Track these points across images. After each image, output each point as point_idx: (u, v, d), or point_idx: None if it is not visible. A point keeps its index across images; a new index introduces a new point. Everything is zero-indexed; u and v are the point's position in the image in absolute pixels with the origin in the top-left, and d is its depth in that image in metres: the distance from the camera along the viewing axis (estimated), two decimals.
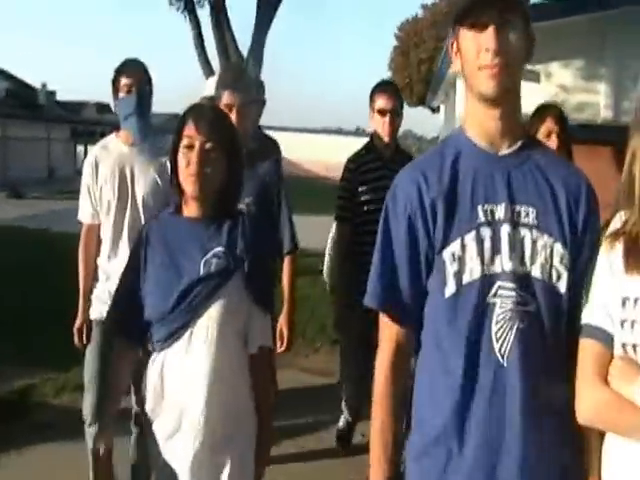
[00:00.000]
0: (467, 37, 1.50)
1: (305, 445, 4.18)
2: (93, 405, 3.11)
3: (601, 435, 1.46)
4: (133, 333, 2.11)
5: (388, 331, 1.62)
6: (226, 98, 2.95)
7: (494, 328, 1.46)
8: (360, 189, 3.48)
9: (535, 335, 1.47)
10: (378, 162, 3.50)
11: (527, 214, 1.49)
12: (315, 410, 4.50)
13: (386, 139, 3.52)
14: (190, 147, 2.02)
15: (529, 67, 7.83)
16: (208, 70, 10.56)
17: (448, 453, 1.53)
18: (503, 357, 1.46)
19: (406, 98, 34.62)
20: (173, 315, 2.00)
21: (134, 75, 3.23)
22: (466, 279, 1.48)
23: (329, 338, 5.94)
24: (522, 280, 1.47)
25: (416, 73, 32.17)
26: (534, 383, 1.46)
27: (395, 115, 3.51)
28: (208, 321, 2.00)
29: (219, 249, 2.03)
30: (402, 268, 1.56)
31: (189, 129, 2.03)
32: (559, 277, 1.48)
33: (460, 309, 1.49)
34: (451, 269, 1.50)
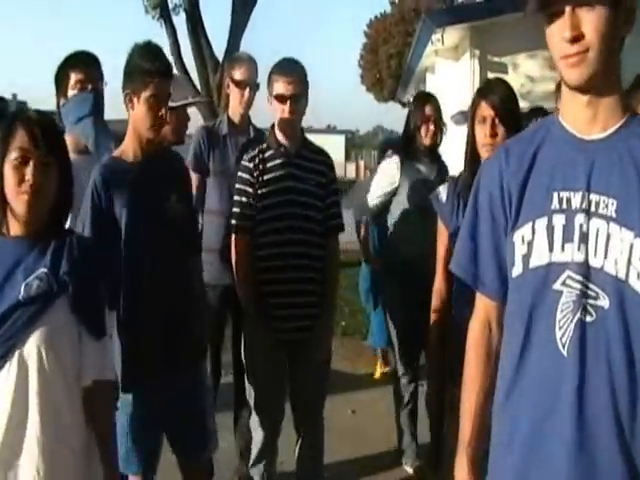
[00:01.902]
0: (547, 25, 1.44)
1: None
2: None
3: None
4: None
5: (479, 301, 1.67)
6: (154, 88, 2.43)
7: (558, 316, 1.43)
8: (261, 192, 2.94)
9: (605, 333, 1.39)
10: (283, 158, 2.97)
11: (606, 205, 1.40)
12: None
13: (283, 130, 2.98)
14: (25, 161, 1.81)
15: (496, 59, 7.98)
16: (185, 76, 10.71)
17: (502, 440, 1.55)
18: (564, 347, 1.42)
19: (377, 94, 34.99)
20: None
21: (89, 70, 2.82)
22: (533, 263, 1.47)
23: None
24: (592, 273, 1.41)
25: (386, 69, 32.38)
26: (594, 382, 1.39)
27: (296, 102, 2.92)
28: (29, 352, 1.81)
29: (42, 270, 1.85)
30: (485, 243, 1.59)
31: (22, 141, 1.81)
32: (639, 277, 1.36)
33: (524, 291, 1.49)
34: (519, 251, 1.49)
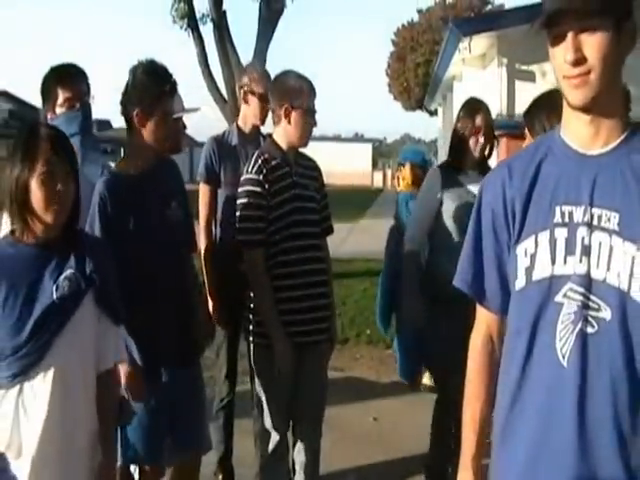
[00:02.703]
0: (551, 44, 1.46)
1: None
2: None
3: None
4: None
5: (480, 314, 1.70)
6: (165, 106, 2.62)
7: (559, 327, 1.45)
8: (272, 203, 2.92)
9: (607, 344, 1.41)
10: (287, 167, 2.99)
11: (609, 219, 1.43)
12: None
13: (302, 142, 3.05)
14: (51, 174, 1.92)
15: (524, 67, 7.93)
16: (212, 84, 10.83)
17: (505, 451, 1.56)
18: (564, 358, 1.44)
19: (404, 102, 34.99)
20: (28, 347, 1.92)
21: (76, 88, 2.85)
22: (536, 276, 1.49)
23: (337, 338, 6.24)
24: (594, 285, 1.43)
25: (413, 77, 32.40)
26: (596, 394, 1.42)
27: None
28: (64, 348, 1.96)
29: (69, 272, 1.98)
30: (488, 258, 1.62)
31: (48, 154, 1.93)
32: None
33: (527, 303, 1.51)
34: (522, 264, 1.52)
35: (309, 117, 2.99)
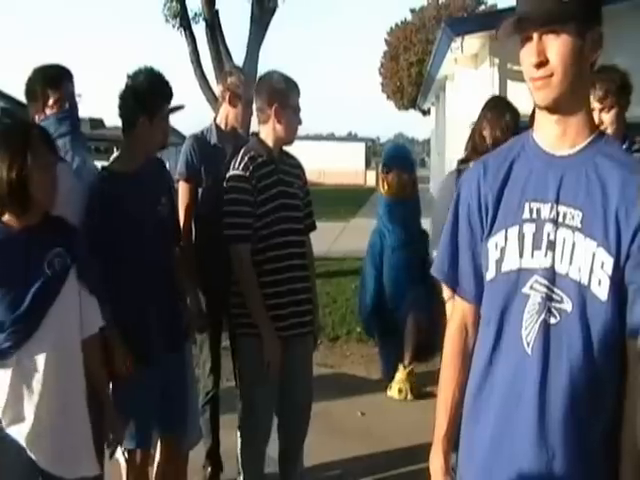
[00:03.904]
0: (521, 47, 1.53)
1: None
2: None
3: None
4: None
5: (456, 304, 1.78)
6: (166, 111, 2.85)
7: (525, 317, 1.53)
8: (259, 199, 2.98)
9: (567, 334, 1.49)
10: (272, 165, 3.04)
11: (572, 217, 1.50)
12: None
13: (291, 139, 3.14)
14: (47, 165, 2.16)
15: (515, 67, 7.93)
16: (204, 83, 10.83)
17: (468, 432, 1.66)
18: (529, 345, 1.52)
19: (397, 101, 35.07)
20: (26, 319, 2.12)
21: (64, 89, 2.94)
22: (504, 268, 1.57)
23: (327, 335, 6.36)
24: (557, 279, 1.51)
25: (406, 77, 32.51)
26: (556, 381, 1.49)
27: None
28: (57, 317, 2.17)
29: (58, 249, 2.21)
30: (463, 249, 1.69)
31: (44, 149, 2.17)
32: (599, 283, 1.47)
33: (496, 293, 1.59)
34: (493, 256, 1.60)
35: (294, 115, 3.08)
